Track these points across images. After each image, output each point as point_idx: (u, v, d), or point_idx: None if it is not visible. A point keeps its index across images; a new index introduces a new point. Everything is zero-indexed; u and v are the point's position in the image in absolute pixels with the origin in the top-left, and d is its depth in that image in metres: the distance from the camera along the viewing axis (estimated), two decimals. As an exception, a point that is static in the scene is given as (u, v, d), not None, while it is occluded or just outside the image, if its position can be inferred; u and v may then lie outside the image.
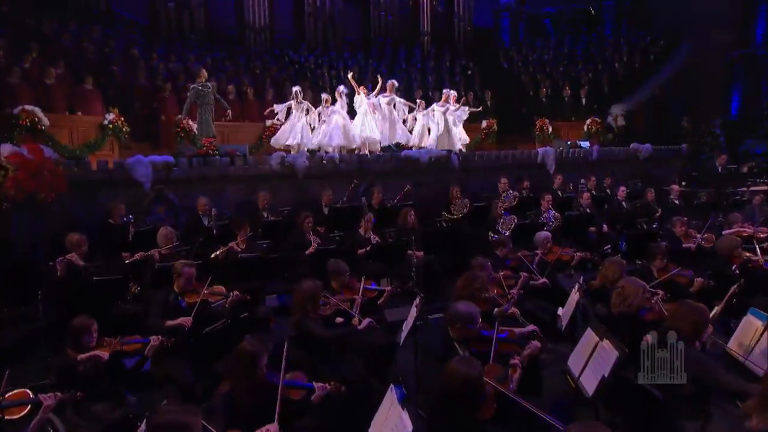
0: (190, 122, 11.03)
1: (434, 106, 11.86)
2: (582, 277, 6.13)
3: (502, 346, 3.94)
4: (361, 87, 11.16)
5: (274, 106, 11.36)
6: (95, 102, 10.94)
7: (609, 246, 7.80)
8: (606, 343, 3.56)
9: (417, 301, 5.06)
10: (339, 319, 5.14)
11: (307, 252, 7.34)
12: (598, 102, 15.71)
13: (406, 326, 4.94)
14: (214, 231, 7.34)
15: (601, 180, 12.02)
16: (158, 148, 11.84)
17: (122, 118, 10.57)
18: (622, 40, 18.74)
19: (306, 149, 10.42)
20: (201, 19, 17.13)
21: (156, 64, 13.66)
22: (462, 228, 8.65)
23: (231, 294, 5.22)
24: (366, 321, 4.90)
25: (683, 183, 12.71)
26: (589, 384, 3.54)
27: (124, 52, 13.99)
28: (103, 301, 6.01)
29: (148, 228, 7.32)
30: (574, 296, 5.04)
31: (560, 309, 5.56)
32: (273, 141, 11.13)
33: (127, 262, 6.30)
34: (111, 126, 10.40)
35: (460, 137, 12.08)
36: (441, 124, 11.53)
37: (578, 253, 7.06)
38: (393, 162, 10.14)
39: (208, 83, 10.10)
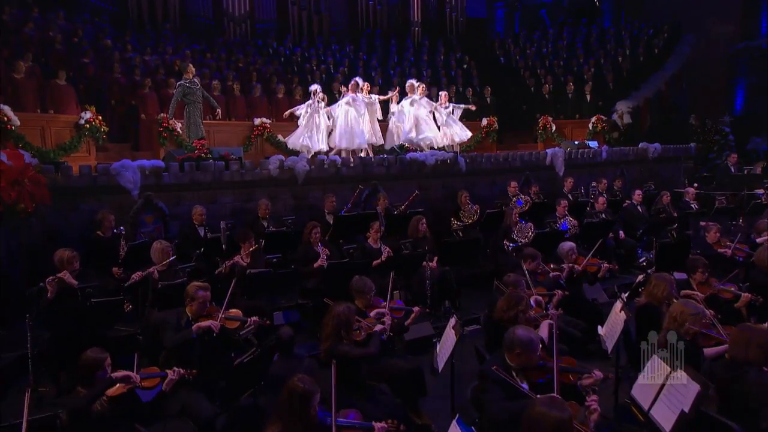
0: (173, 120, 10.85)
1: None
2: (624, 294, 6.16)
3: (562, 376, 3.88)
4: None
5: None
6: (69, 99, 10.66)
7: (644, 258, 7.81)
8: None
9: (453, 322, 5.00)
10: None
11: (315, 265, 7.22)
12: (603, 98, 15.81)
13: (444, 351, 4.87)
14: (224, 246, 7.13)
15: (611, 182, 12.12)
16: (138, 149, 11.62)
17: (100, 117, 10.33)
18: (623, 33, 18.89)
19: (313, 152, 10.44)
20: (175, 5, 16.79)
21: (131, 57, 13.35)
22: (479, 238, 8.59)
23: (249, 320, 5.07)
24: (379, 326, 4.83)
25: (695, 185, 12.86)
26: (664, 418, 3.50)
27: (94, 42, 13.66)
28: (101, 326, 5.85)
29: (142, 242, 7.10)
30: (620, 316, 5.00)
31: (600, 328, 5.55)
32: (290, 143, 11.21)
33: (126, 285, 6.10)
34: (88, 126, 10.16)
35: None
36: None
37: (605, 265, 7.05)
38: (398, 165, 10.06)
39: (195, 79, 9.89)
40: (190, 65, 9.83)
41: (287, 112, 11.37)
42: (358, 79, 11.34)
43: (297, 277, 6.82)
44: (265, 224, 8.51)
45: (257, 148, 12.16)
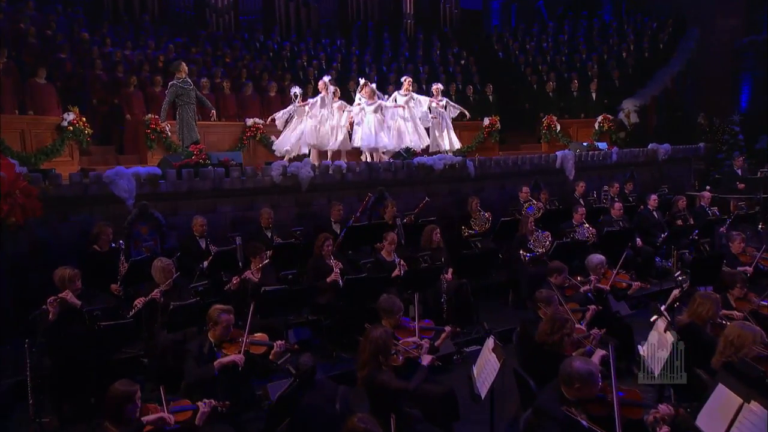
0: (163, 123, 10.72)
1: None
2: (661, 306, 6.20)
3: (625, 410, 3.88)
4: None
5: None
6: (50, 99, 10.46)
7: (680, 273, 7.89)
8: (755, 406, 3.56)
9: (492, 344, 5.00)
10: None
11: (328, 280, 7.18)
12: (608, 96, 15.95)
13: (485, 376, 4.85)
14: (240, 262, 7.05)
15: (622, 185, 12.22)
16: (122, 152, 11.47)
17: (84, 119, 10.16)
18: (627, 27, 19.08)
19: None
20: (153, -7, 16.58)
21: (110, 51, 13.15)
22: (497, 249, 8.61)
23: (275, 344, 5.01)
24: (428, 358, 4.81)
25: (708, 187, 13.02)
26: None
27: (70, 35, 13.43)
28: (109, 351, 5.77)
29: (143, 258, 6.99)
30: (667, 337, 5.03)
31: (641, 347, 5.57)
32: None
33: (132, 313, 6.00)
34: (71, 128, 9.99)
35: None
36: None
37: (636, 284, 7.11)
38: (404, 170, 10.05)
39: (188, 79, 9.77)
40: (183, 64, 9.67)
41: (277, 118, 11.19)
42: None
43: (312, 294, 6.76)
44: (269, 235, 8.44)
45: (250, 150, 12.05)
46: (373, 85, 11.08)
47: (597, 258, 7.24)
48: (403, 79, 11.64)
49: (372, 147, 10.71)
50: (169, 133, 10.84)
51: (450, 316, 7.70)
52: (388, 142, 10.71)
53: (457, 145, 12.31)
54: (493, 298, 9.16)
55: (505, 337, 7.62)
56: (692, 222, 10.51)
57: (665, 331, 5.10)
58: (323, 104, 10.73)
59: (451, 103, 12.32)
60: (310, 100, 10.98)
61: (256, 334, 5.12)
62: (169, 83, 9.63)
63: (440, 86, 12.15)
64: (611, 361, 4.12)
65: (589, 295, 6.78)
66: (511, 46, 18.88)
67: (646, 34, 18.54)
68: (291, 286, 6.58)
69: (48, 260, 7.76)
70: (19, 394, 5.85)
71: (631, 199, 12.00)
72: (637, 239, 9.84)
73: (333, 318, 7.11)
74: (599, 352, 4.76)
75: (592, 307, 6.12)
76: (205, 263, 7.64)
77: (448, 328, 5.71)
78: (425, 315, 7.25)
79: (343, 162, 9.61)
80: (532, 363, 5.07)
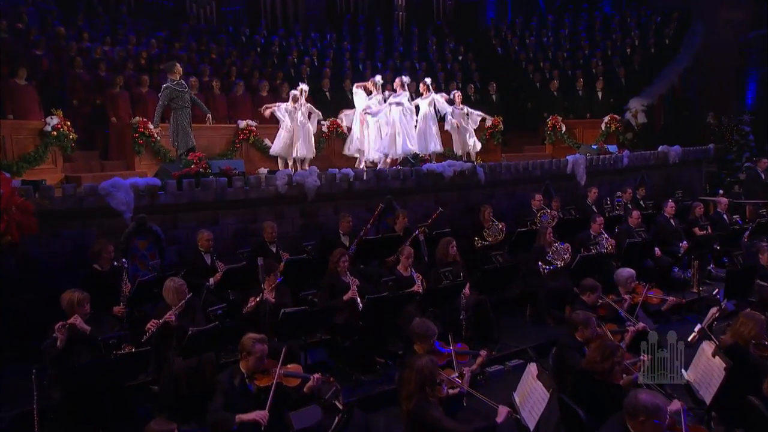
0: (150, 125, 10.63)
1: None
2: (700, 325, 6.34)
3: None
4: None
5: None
6: (31, 102, 10.32)
7: (717, 290, 8.04)
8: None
9: (535, 370, 5.08)
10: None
11: (345, 298, 7.20)
12: (614, 95, 16.13)
13: (532, 405, 4.92)
14: (263, 284, 7.02)
15: (634, 191, 12.41)
16: (107, 158, 11.38)
17: (68, 123, 10.05)
18: (630, 20, 19.30)
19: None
20: (128, -16, 16.43)
21: (89, 47, 13.00)
22: (518, 263, 8.71)
23: (312, 377, 5.03)
24: (504, 410, 4.82)
25: (720, 192, 13.27)
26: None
27: (43, 29, 13.24)
28: (124, 380, 5.75)
29: (150, 278, 6.96)
30: (716, 363, 5.15)
31: (685, 372, 5.68)
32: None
33: (146, 337, 5.97)
34: (55, 133, 9.86)
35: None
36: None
37: (671, 299, 7.24)
38: (413, 177, 10.11)
39: (183, 81, 9.71)
40: (177, 65, 9.59)
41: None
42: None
43: (332, 315, 6.79)
44: (274, 249, 8.43)
45: (243, 154, 12.00)
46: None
47: (626, 272, 7.36)
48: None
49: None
50: (158, 137, 10.73)
51: (469, 333, 7.77)
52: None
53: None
54: (509, 313, 9.20)
55: (525, 355, 7.82)
56: (710, 230, 10.72)
57: (714, 356, 5.23)
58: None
59: (472, 111, 12.68)
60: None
61: (289, 365, 5.14)
62: (163, 86, 9.56)
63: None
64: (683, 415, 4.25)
65: (621, 313, 6.88)
66: (510, 40, 19.00)
67: (650, 28, 18.76)
68: (310, 306, 6.59)
69: (39, 278, 7.74)
70: (23, 427, 5.80)
71: (643, 204, 12.19)
72: (656, 249, 9.99)
73: (351, 338, 7.15)
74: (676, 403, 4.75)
75: (632, 328, 6.24)
76: (211, 280, 7.65)
77: (483, 353, 5.79)
78: (443, 333, 7.37)
79: (350, 170, 9.64)
80: (579, 391, 5.14)
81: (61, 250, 7.83)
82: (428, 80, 12.02)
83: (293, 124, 11.07)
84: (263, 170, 11.73)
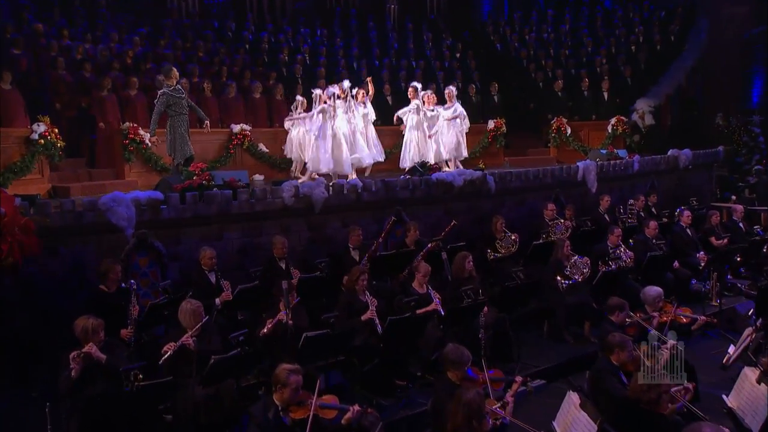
0: (141, 131, 10.64)
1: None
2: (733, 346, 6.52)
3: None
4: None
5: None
6: (16, 108, 10.25)
7: (751, 311, 8.22)
8: None
9: (577, 400, 5.22)
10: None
11: (364, 318, 7.30)
12: (620, 95, 16.34)
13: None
14: (289, 310, 7.10)
15: (646, 198, 12.59)
16: (94, 166, 11.35)
17: (56, 130, 10.00)
18: (633, 16, 19.55)
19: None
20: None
21: (70, 46, 12.93)
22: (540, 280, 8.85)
23: (350, 408, 5.12)
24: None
25: (733, 197, 13.53)
26: None
27: (20, 26, 13.13)
28: (145, 411, 5.80)
29: (162, 300, 7.01)
30: (761, 390, 5.30)
31: (726, 398, 5.84)
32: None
33: (162, 360, 6.02)
34: (42, 141, 9.81)
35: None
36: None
37: (702, 318, 7.42)
38: (423, 188, 10.23)
39: (180, 86, 9.74)
40: (174, 70, 9.64)
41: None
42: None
43: (352, 337, 6.88)
44: (283, 266, 8.50)
45: (237, 160, 12.04)
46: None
47: (654, 291, 7.51)
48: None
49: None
50: (149, 143, 10.71)
51: (488, 353, 7.88)
52: None
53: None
54: (525, 329, 9.31)
55: (542, 375, 7.95)
56: (727, 240, 10.93)
57: (759, 383, 5.38)
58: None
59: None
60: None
61: (325, 396, 5.22)
62: (159, 92, 9.59)
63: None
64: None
65: (650, 331, 7.04)
66: (508, 36, 19.17)
67: (654, 24, 19.01)
68: (332, 329, 6.66)
69: (37, 299, 7.74)
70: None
71: (655, 211, 12.36)
72: (675, 261, 10.17)
73: (371, 361, 7.23)
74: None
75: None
76: (218, 300, 7.68)
77: (519, 378, 5.91)
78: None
79: (357, 180, 9.74)
80: (622, 420, 5.29)
81: (60, 269, 7.85)
82: (417, 84, 12.44)
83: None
84: (258, 177, 11.85)
